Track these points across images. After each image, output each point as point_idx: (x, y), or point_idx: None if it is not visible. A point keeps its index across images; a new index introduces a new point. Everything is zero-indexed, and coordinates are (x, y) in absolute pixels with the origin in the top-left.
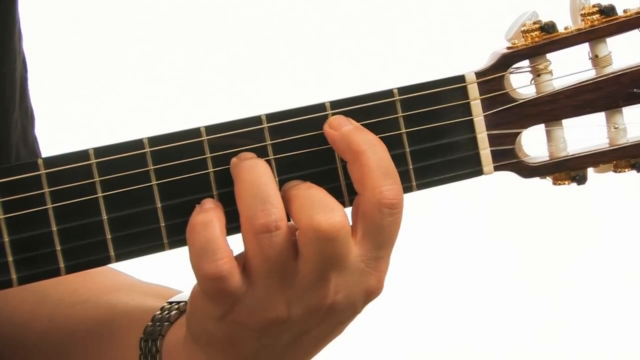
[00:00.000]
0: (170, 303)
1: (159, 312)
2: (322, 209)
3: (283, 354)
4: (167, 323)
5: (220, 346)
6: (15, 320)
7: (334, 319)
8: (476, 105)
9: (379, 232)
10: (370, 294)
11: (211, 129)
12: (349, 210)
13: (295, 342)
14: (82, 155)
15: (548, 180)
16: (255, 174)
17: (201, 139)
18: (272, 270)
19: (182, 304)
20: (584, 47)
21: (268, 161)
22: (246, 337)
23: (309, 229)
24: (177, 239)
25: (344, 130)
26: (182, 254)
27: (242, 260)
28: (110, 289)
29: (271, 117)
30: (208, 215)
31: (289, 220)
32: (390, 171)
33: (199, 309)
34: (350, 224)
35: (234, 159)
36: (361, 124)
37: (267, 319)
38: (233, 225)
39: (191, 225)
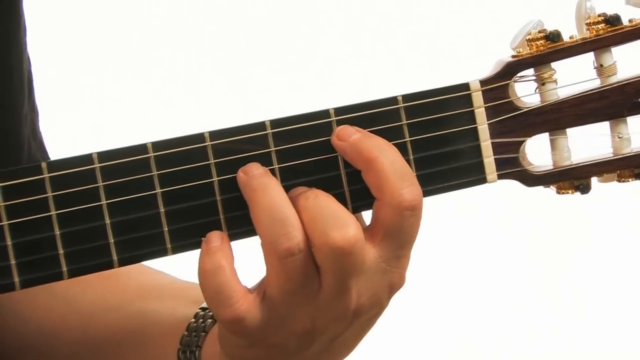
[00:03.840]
0: (204, 309)
1: (193, 320)
2: (335, 223)
3: (318, 359)
4: (203, 333)
5: None
6: (45, 330)
7: (362, 319)
8: (480, 113)
9: (401, 234)
10: (393, 288)
11: (215, 135)
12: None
13: (327, 347)
14: (86, 159)
15: (552, 189)
16: (269, 196)
17: (205, 144)
18: (295, 289)
19: None
20: (589, 57)
21: (272, 168)
22: (277, 354)
23: (325, 246)
24: (181, 243)
25: (352, 140)
26: (188, 255)
27: (261, 287)
28: (139, 292)
29: (275, 123)
30: (216, 259)
31: None
32: (405, 173)
33: (228, 339)
34: (367, 225)
35: (241, 175)
36: None
37: (294, 333)
38: (239, 230)
39: (201, 272)
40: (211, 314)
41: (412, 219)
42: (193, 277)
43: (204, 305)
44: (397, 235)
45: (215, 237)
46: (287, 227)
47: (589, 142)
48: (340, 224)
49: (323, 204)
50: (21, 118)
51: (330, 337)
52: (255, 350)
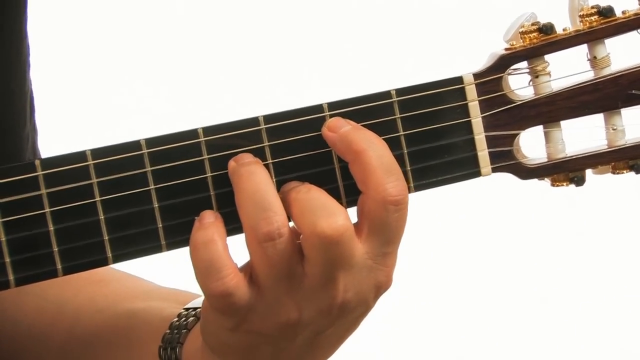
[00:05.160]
0: (187, 309)
1: (176, 319)
2: (323, 213)
3: (301, 355)
4: (184, 330)
5: (236, 354)
6: (35, 332)
7: (347, 316)
8: (474, 107)
9: (386, 229)
10: (380, 288)
11: (209, 130)
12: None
13: (311, 342)
14: (80, 156)
15: (546, 182)
16: (253, 182)
17: (199, 140)
18: (279, 275)
19: (198, 310)
20: (583, 49)
21: (266, 163)
22: (261, 343)
23: (313, 235)
24: (175, 240)
25: (342, 131)
26: (183, 253)
27: (248, 269)
28: (127, 296)
29: (269, 118)
30: (208, 233)
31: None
32: (392, 167)
33: (211, 322)
34: (355, 221)
35: (231, 163)
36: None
37: (279, 323)
38: (233, 226)
39: (193, 244)
40: (194, 312)
41: (397, 215)
42: (188, 283)
43: (188, 305)
44: (382, 231)
45: (208, 215)
46: (268, 212)
47: (583, 134)
48: (328, 213)
49: (314, 197)
50: (22, 140)
51: (314, 330)
52: (239, 335)
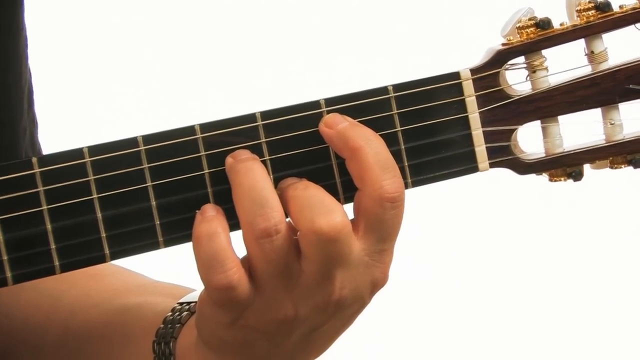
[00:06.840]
0: (181, 304)
1: (170, 313)
2: (321, 210)
3: (296, 351)
4: (178, 325)
5: (232, 350)
6: (30, 326)
7: (343, 313)
8: (471, 102)
9: (382, 226)
10: (376, 285)
11: (206, 127)
12: (345, 206)
13: (306, 339)
14: (77, 153)
15: (544, 177)
16: (251, 178)
17: (196, 136)
18: (276, 272)
19: (192, 304)
20: (580, 43)
21: (263, 159)
22: (257, 339)
23: (310, 232)
24: (172, 236)
25: (339, 128)
26: (180, 250)
27: (245, 264)
28: (122, 290)
29: (266, 114)
30: (212, 226)
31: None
32: (388, 164)
33: (208, 316)
34: (352, 218)
35: (229, 159)
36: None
37: (276, 319)
38: (231, 222)
39: (196, 237)
40: (188, 307)
41: (394, 212)
42: (186, 279)
43: (182, 300)
44: (378, 228)
45: (210, 208)
46: (265, 209)
47: (581, 129)
48: (326, 210)
49: (312, 194)
50: (18, 132)
51: (310, 326)
52: (235, 331)
